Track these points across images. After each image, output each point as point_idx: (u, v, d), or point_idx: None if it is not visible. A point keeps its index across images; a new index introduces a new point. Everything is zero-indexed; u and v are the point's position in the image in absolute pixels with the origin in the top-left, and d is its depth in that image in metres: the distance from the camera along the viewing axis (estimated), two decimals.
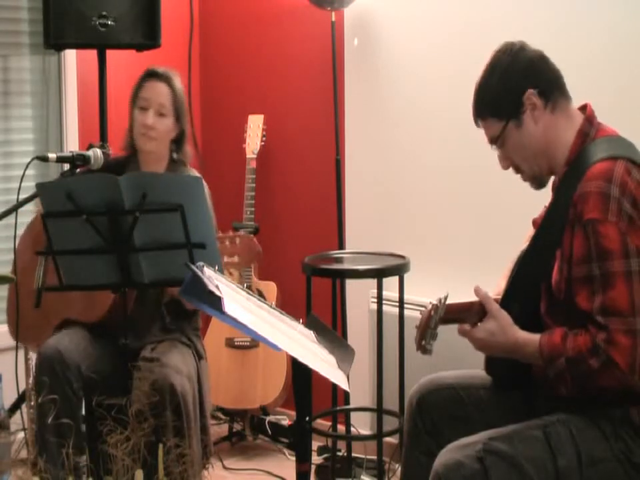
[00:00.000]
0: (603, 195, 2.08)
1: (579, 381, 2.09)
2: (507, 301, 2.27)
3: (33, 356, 3.11)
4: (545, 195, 2.38)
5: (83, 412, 2.94)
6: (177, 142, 3.14)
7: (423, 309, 2.31)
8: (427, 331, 2.22)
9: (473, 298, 2.27)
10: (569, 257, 2.13)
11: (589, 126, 2.24)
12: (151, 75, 3.11)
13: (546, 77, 2.26)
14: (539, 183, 2.32)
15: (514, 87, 2.24)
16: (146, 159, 3.14)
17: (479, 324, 2.22)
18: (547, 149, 2.25)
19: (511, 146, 2.27)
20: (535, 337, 2.15)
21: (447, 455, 2.14)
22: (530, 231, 2.46)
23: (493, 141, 2.29)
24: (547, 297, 2.22)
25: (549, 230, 2.23)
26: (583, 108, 2.29)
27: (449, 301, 2.27)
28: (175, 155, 3.14)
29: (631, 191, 2.09)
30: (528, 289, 2.25)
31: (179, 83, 3.13)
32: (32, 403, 3.00)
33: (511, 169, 2.33)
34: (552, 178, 2.33)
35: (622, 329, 2.03)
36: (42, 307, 3.04)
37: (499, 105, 2.25)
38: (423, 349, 2.23)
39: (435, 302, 2.24)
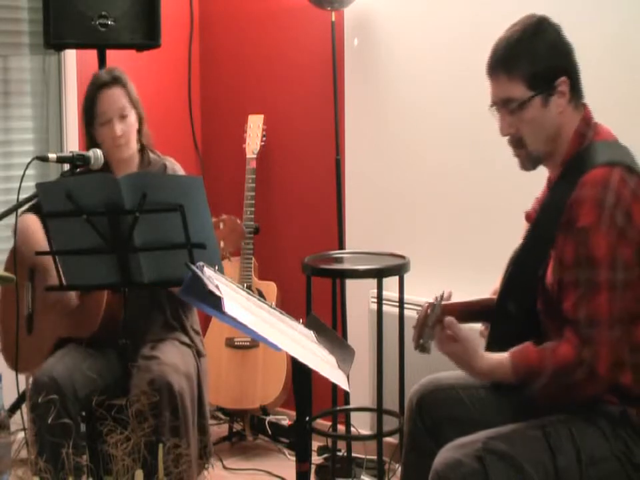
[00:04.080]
0: (597, 204, 2.06)
1: (558, 395, 2.11)
2: (502, 299, 2.27)
3: None
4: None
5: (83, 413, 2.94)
6: (138, 129, 3.09)
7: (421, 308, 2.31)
8: (424, 329, 2.22)
9: (473, 297, 2.27)
10: (561, 260, 2.13)
11: (586, 127, 2.22)
12: (99, 86, 3.02)
13: (578, 72, 2.23)
14: (531, 164, 2.26)
15: (555, 66, 2.19)
16: (118, 165, 3.07)
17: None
18: (556, 138, 2.22)
19: (529, 118, 2.19)
20: (503, 363, 2.14)
21: (446, 454, 2.14)
22: (525, 226, 2.46)
23: (506, 102, 2.20)
24: (543, 296, 2.22)
25: (542, 228, 2.22)
26: (581, 107, 2.27)
27: (452, 300, 2.27)
28: (138, 145, 3.08)
29: (625, 202, 2.08)
30: (523, 286, 2.25)
31: (123, 73, 3.06)
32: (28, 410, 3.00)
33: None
34: (547, 173, 2.32)
35: (603, 341, 2.05)
36: (35, 333, 3.04)
37: (536, 76, 2.17)
38: (422, 347, 2.22)
39: (431, 300, 2.24)
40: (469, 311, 2.37)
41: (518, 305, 2.23)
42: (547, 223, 2.20)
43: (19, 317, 2.96)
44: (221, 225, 2.71)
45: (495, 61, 2.22)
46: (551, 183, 2.31)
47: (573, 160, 2.20)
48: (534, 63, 2.18)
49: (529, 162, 2.26)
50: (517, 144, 2.25)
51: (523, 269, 2.26)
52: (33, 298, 3.07)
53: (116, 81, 3.03)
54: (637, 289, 2.09)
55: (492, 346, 2.27)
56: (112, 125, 3.00)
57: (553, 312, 2.17)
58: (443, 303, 2.24)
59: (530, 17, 2.25)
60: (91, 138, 3.07)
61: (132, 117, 3.05)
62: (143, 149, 3.12)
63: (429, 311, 2.22)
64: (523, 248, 2.29)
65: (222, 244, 2.70)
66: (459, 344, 2.17)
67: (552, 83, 2.18)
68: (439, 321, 2.20)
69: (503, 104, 2.22)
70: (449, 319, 2.19)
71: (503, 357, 2.15)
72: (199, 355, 3.08)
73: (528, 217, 2.39)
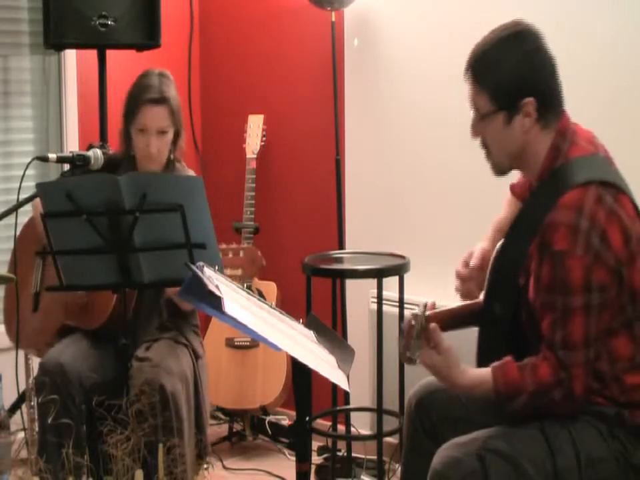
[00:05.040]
0: (571, 229, 2.06)
1: (537, 411, 2.12)
2: (488, 301, 2.26)
3: (35, 359, 3.11)
4: None
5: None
6: (174, 142, 3.07)
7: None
8: (409, 341, 2.19)
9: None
10: (539, 280, 2.13)
11: (562, 140, 2.18)
12: (146, 100, 2.98)
13: (550, 91, 2.18)
14: (500, 172, 2.27)
15: (521, 86, 2.15)
16: (144, 165, 3.06)
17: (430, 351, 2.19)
18: (521, 155, 2.21)
19: (491, 132, 2.20)
20: (484, 379, 2.14)
21: (445, 453, 2.14)
22: (508, 196, 2.46)
23: (475, 109, 2.21)
24: (526, 308, 2.21)
25: (520, 233, 2.21)
26: (553, 123, 2.20)
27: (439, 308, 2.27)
28: (171, 156, 3.07)
29: (601, 224, 2.06)
30: (505, 289, 2.23)
31: (173, 91, 3.03)
32: (32, 404, 3.00)
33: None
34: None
35: (578, 362, 2.07)
36: (40, 312, 3.04)
37: (500, 91, 2.15)
38: (408, 359, 2.21)
39: (415, 311, 2.22)
40: (456, 318, 2.36)
41: (502, 307, 2.22)
42: (524, 229, 2.19)
43: (18, 293, 2.95)
44: (241, 253, 2.68)
45: (467, 68, 2.22)
46: (531, 186, 2.30)
47: (550, 176, 2.18)
48: (499, 78, 2.16)
49: (495, 170, 2.28)
50: (484, 148, 2.26)
51: (504, 271, 2.24)
52: (42, 277, 3.07)
53: (162, 99, 2.98)
54: (614, 306, 2.10)
55: (482, 349, 2.27)
56: (148, 138, 2.98)
57: (535, 325, 2.17)
58: (429, 312, 2.23)
59: (510, 26, 2.21)
60: (127, 133, 3.05)
61: (170, 134, 3.02)
62: (172, 160, 3.10)
63: (412, 322, 2.20)
64: (502, 251, 2.27)
65: (240, 272, 2.69)
66: (440, 356, 2.17)
67: (516, 102, 2.15)
68: (423, 331, 2.18)
69: (472, 109, 2.23)
70: (433, 325, 2.18)
71: (483, 373, 2.15)
72: (195, 355, 3.07)
73: (512, 189, 2.37)
